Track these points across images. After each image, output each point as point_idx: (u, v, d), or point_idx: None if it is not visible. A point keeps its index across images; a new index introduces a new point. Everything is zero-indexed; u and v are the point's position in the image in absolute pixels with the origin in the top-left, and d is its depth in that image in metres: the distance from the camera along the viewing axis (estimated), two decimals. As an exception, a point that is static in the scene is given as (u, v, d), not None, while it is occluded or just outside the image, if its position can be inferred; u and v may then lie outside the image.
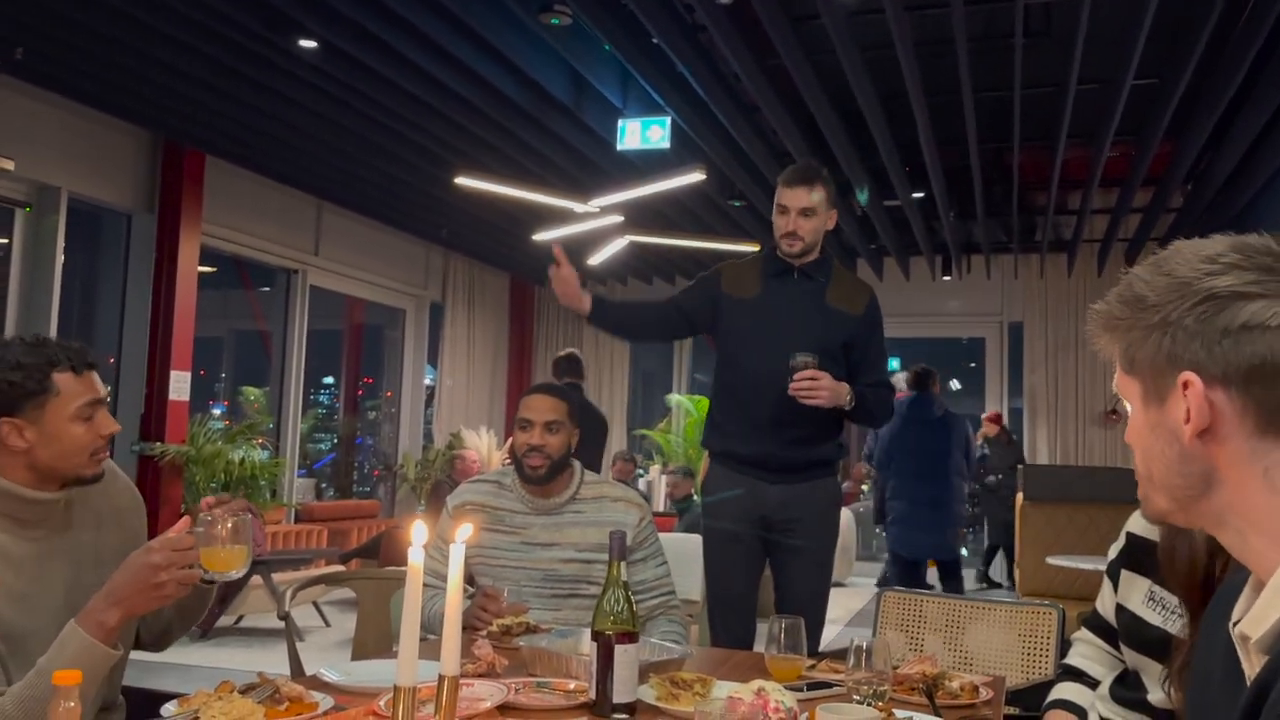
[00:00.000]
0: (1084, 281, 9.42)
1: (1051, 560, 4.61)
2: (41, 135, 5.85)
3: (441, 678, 1.17)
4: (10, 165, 5.58)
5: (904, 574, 6.40)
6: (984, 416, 9.11)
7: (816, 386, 2.71)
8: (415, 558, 1.09)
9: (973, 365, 12.12)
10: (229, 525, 1.57)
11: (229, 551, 1.57)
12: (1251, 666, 0.77)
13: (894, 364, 18.90)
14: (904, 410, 6.33)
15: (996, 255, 9.37)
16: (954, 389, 20.13)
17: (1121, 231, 8.23)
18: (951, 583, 6.56)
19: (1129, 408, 0.89)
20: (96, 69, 5.37)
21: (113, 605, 1.51)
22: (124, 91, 5.72)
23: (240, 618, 6.01)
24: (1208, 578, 1.28)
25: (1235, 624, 0.80)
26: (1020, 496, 5.59)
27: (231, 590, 5.24)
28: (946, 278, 9.58)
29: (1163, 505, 0.87)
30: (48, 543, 1.67)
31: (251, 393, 9.46)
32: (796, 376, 2.71)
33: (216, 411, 8.85)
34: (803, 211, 2.85)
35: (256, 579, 5.49)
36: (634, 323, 3.26)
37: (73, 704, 1.16)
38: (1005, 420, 9.05)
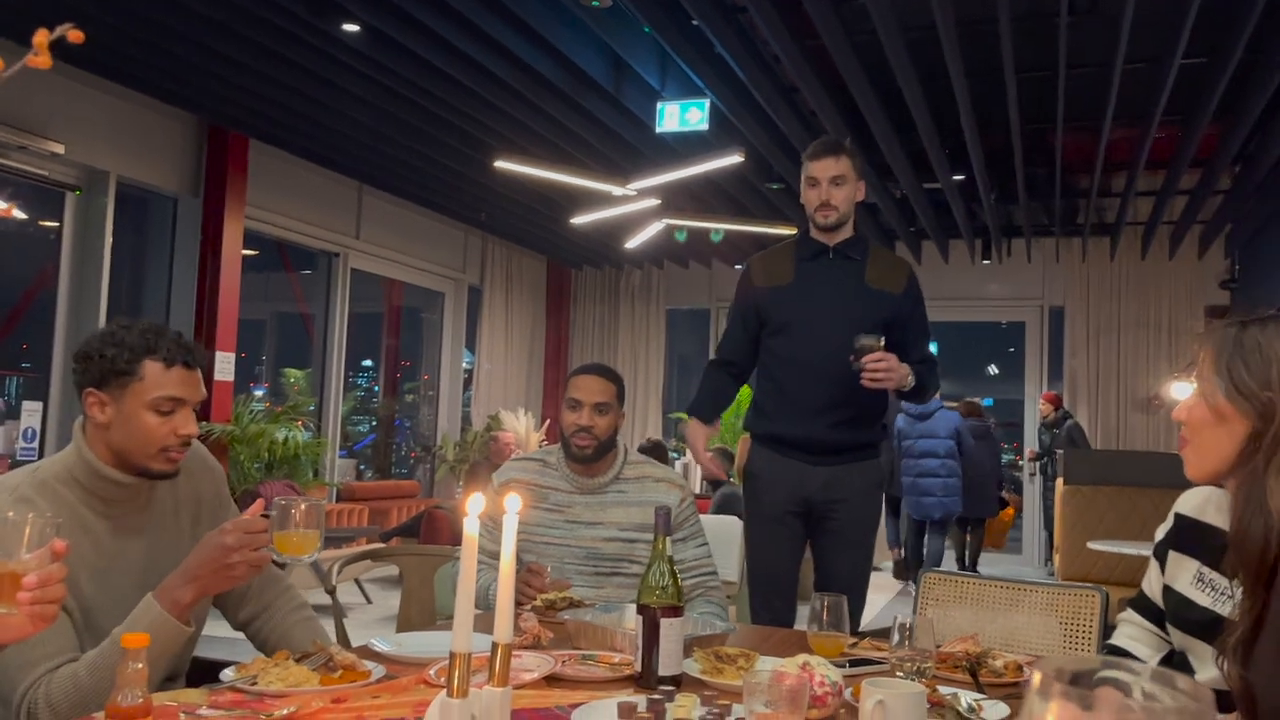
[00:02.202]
0: (1127, 265, 9.29)
1: (1093, 545, 4.57)
2: (91, 120, 5.96)
3: (495, 645, 1.20)
4: (61, 149, 5.69)
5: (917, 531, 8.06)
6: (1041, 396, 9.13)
7: (891, 370, 2.68)
8: (470, 528, 1.12)
9: (1011, 350, 11.99)
10: (302, 509, 1.60)
11: (302, 536, 1.60)
12: None
13: (932, 348, 18.79)
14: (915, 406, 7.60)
15: (1038, 238, 9.26)
16: (991, 373, 19.93)
17: (1167, 214, 8.09)
18: (936, 541, 7.93)
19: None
20: (144, 54, 5.45)
21: (188, 583, 1.56)
22: (170, 76, 5.80)
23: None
24: (1277, 558, 1.28)
25: None
26: (1060, 481, 5.55)
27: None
28: (986, 261, 9.48)
29: None
30: (127, 521, 1.71)
31: (293, 374, 9.58)
32: (867, 360, 2.67)
33: (258, 393, 8.98)
34: (834, 180, 2.85)
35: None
36: (727, 400, 3.14)
37: (140, 665, 1.21)
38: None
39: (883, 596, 7.20)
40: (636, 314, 11.00)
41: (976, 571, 8.11)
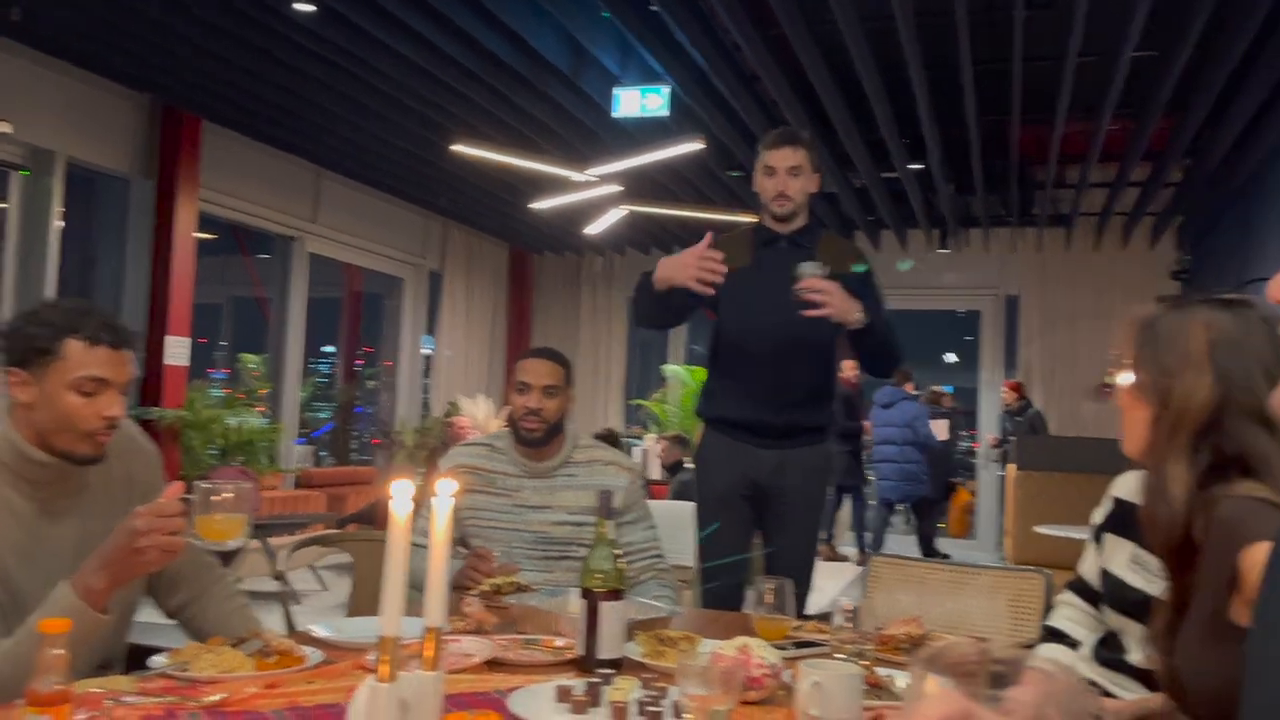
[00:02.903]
0: (1081, 256, 9.42)
1: (1040, 529, 4.64)
2: (39, 98, 5.83)
3: (427, 629, 1.19)
4: (8, 128, 5.56)
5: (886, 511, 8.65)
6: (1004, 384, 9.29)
7: (828, 292, 2.62)
8: (398, 510, 1.11)
9: (968, 338, 12.13)
10: (226, 493, 1.53)
11: (225, 520, 1.52)
12: None
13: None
14: (880, 397, 8.44)
15: (994, 228, 9.36)
16: (948, 361, 20.14)
17: (1119, 205, 8.21)
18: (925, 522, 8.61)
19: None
20: (94, 31, 5.34)
21: (100, 569, 1.50)
22: (121, 55, 5.69)
23: (238, 580, 6.05)
24: (1186, 541, 1.30)
25: None
26: (1013, 467, 5.63)
27: (229, 553, 5.28)
28: (943, 251, 9.57)
29: None
30: (56, 504, 1.67)
31: (251, 360, 9.47)
32: (804, 283, 2.62)
33: (218, 379, 8.87)
34: (790, 170, 2.85)
35: (254, 542, 5.53)
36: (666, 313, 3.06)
37: (60, 651, 1.18)
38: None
39: (841, 581, 7.28)
40: (598, 301, 10.98)
41: (936, 553, 8.29)
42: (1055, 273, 9.52)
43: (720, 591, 2.90)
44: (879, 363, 2.96)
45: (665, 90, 5.63)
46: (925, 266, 9.84)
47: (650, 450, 8.05)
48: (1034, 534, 4.94)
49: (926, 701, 0.46)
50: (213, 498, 1.52)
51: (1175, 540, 1.30)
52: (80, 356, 1.60)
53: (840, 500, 8.72)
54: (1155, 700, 1.44)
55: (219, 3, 4.80)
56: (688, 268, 2.67)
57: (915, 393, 8.74)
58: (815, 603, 3.34)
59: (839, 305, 2.65)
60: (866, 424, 8.64)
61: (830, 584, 6.79)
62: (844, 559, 8.45)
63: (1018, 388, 9.06)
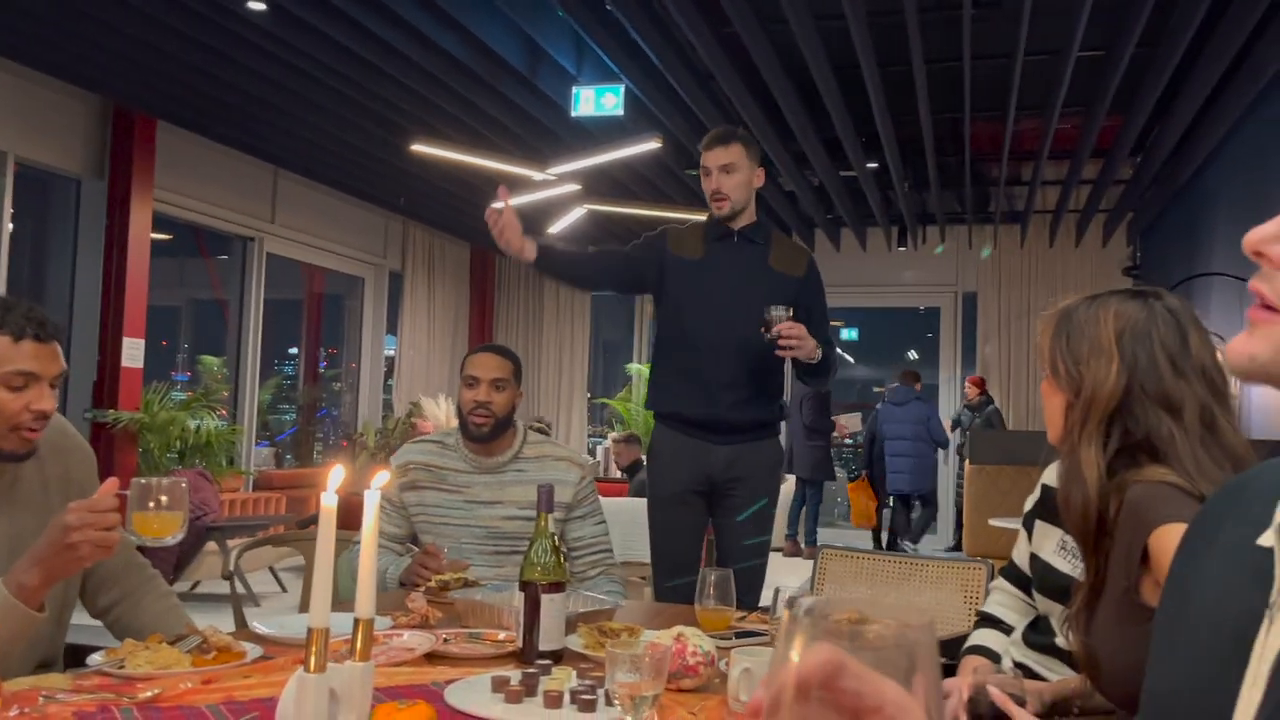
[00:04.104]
0: (1036, 252, 9.56)
1: (994, 522, 4.72)
2: (-14, 98, 5.75)
3: (357, 621, 1.20)
4: (-46, 129, 5.48)
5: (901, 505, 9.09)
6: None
7: (802, 337, 2.71)
8: (328, 501, 1.13)
9: (929, 335, 12.27)
10: (162, 488, 1.54)
11: (162, 517, 1.53)
12: None
13: (853, 334, 18.83)
14: (893, 396, 8.86)
15: (951, 226, 9.48)
16: (911, 358, 20.28)
17: (1072, 203, 8.35)
18: (928, 509, 9.04)
19: None
20: (44, 32, 5.27)
21: (33, 565, 1.50)
22: (71, 55, 5.62)
23: (196, 583, 6.01)
24: (1100, 521, 1.35)
25: None
26: (966, 461, 5.71)
27: (186, 556, 5.23)
28: (902, 248, 9.67)
29: None
30: None
31: (211, 362, 9.37)
32: (780, 328, 2.69)
33: (180, 381, 8.76)
34: (723, 169, 2.88)
35: (211, 545, 5.49)
36: (585, 270, 3.15)
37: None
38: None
39: (804, 577, 7.34)
40: (561, 300, 10.98)
41: (913, 546, 8.46)
42: (1011, 270, 9.66)
43: (681, 588, 2.93)
44: (816, 379, 3.04)
45: (620, 89, 5.65)
46: (885, 264, 9.94)
47: (609, 448, 8.07)
48: (988, 526, 5.02)
49: (797, 656, 0.49)
50: (149, 495, 1.53)
51: (1089, 523, 1.35)
52: (6, 351, 1.59)
53: (805, 496, 8.81)
54: (1074, 681, 1.49)
55: (170, 1, 4.75)
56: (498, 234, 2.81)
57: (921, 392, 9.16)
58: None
59: (809, 348, 2.75)
60: (838, 421, 8.80)
61: (794, 580, 6.86)
62: (810, 556, 8.54)
63: (980, 383, 9.18)
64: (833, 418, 8.84)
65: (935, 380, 10.34)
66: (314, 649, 1.15)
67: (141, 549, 1.81)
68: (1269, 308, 0.66)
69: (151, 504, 1.52)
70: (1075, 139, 6.86)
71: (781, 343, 2.71)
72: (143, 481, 1.53)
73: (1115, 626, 1.33)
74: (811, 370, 2.92)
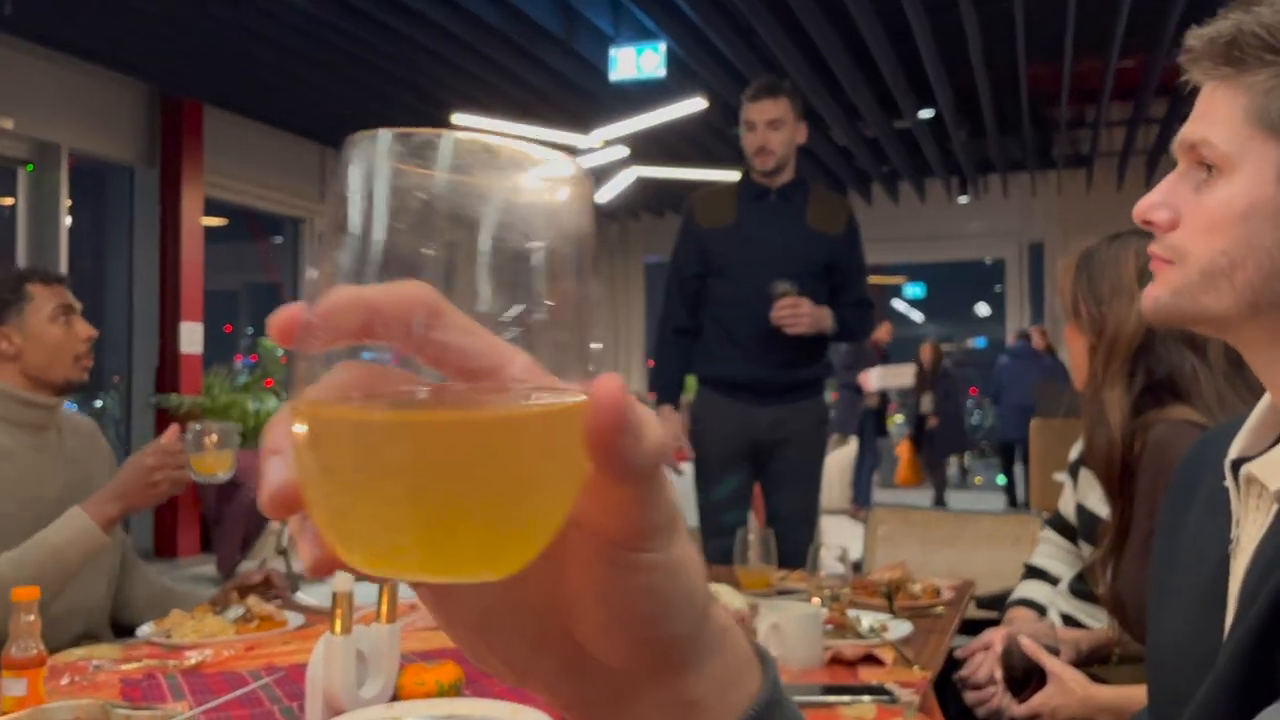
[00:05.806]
0: (1104, 197, 9.24)
1: (1057, 476, 4.60)
2: (38, 92, 5.86)
3: (381, 585, 1.21)
4: (9, 124, 5.61)
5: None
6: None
7: (798, 314, 2.70)
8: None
9: (997, 288, 11.96)
10: (214, 432, 1.74)
11: (215, 456, 1.73)
12: (1260, 511, 0.69)
13: (919, 290, 18.32)
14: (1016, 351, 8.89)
15: (1014, 173, 9.21)
16: (980, 315, 19.75)
17: (1140, 143, 8.04)
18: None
19: (1228, 183, 0.71)
20: (88, 21, 5.35)
21: (115, 499, 1.69)
22: (117, 44, 5.71)
23: (263, 561, 6.15)
24: (1125, 464, 1.31)
25: (1239, 461, 0.71)
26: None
27: (251, 535, 5.37)
28: (963, 199, 9.44)
29: (1224, 305, 0.73)
30: (44, 452, 1.81)
31: (270, 344, 9.55)
32: (777, 305, 2.70)
33: (245, 364, 8.95)
34: (770, 124, 2.82)
35: (275, 525, 5.61)
36: (693, 326, 2.98)
37: (32, 618, 1.22)
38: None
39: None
40: (615, 268, 10.96)
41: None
42: (1078, 216, 9.35)
43: (727, 549, 2.91)
44: (849, 341, 3.08)
45: (661, 48, 5.56)
46: (946, 216, 9.71)
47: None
48: (1053, 481, 4.90)
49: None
50: (203, 438, 1.73)
51: (1114, 466, 1.31)
52: (43, 292, 1.82)
53: (864, 456, 8.70)
54: (1108, 630, 1.44)
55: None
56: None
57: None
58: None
59: (812, 321, 2.72)
60: (864, 378, 8.60)
61: (855, 543, 6.79)
62: (855, 514, 8.43)
63: (1044, 335, 8.97)
64: (861, 374, 8.54)
65: (1002, 335, 10.11)
66: (339, 612, 1.16)
67: (200, 486, 2.10)
68: (1166, 261, 0.78)
69: (206, 444, 1.72)
70: (1138, 76, 6.59)
71: (774, 319, 2.69)
72: (197, 426, 1.74)
73: (1140, 566, 1.28)
74: (835, 337, 2.90)
